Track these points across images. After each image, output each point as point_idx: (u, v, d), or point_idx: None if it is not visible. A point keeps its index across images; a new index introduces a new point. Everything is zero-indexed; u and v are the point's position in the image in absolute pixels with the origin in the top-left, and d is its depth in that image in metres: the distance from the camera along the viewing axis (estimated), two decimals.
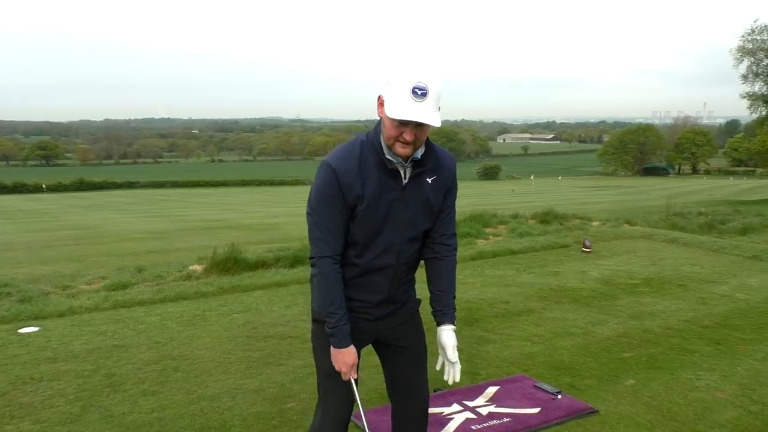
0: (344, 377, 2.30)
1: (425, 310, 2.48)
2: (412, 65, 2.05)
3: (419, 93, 2.00)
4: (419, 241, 2.36)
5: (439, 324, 2.43)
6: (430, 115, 2.03)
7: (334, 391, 2.40)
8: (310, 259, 2.25)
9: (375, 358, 2.62)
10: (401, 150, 2.11)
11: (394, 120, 2.05)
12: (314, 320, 2.40)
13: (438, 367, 2.49)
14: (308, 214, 2.24)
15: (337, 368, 2.29)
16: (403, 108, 2.02)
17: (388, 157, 2.17)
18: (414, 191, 2.23)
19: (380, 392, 3.91)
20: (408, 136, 2.07)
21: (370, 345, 2.53)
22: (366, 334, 2.40)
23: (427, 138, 2.21)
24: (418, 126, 2.06)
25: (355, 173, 2.15)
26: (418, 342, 2.53)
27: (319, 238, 2.21)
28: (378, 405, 3.72)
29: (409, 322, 2.49)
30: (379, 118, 2.19)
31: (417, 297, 2.55)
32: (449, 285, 2.42)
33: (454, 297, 2.44)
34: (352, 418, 3.54)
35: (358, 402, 2.35)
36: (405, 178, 2.21)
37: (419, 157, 2.21)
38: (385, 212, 2.20)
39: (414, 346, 2.51)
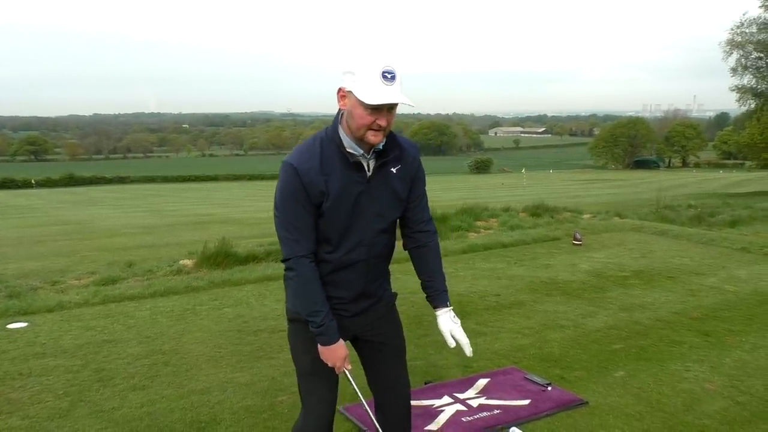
0: (338, 371, 2.30)
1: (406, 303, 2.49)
2: (376, 52, 2.06)
3: (389, 77, 2.02)
4: (389, 233, 2.34)
5: (435, 308, 2.43)
6: (403, 95, 2.05)
7: (316, 390, 2.37)
8: (284, 261, 2.21)
9: None
10: (373, 138, 2.10)
11: (367, 107, 2.04)
12: (290, 320, 2.38)
13: (451, 346, 2.44)
14: (275, 216, 2.21)
15: (330, 364, 2.27)
16: (377, 92, 2.01)
17: (349, 150, 2.15)
18: (380, 183, 2.23)
19: None
20: (382, 122, 2.07)
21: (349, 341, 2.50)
22: (345, 330, 2.36)
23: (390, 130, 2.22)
24: (389, 110, 2.08)
25: (317, 170, 2.13)
26: (397, 337, 2.52)
27: (289, 238, 2.18)
28: (369, 398, 3.72)
29: (386, 317, 2.48)
30: (337, 113, 2.19)
31: (393, 291, 2.53)
32: (437, 269, 2.43)
33: (444, 280, 2.44)
34: (341, 410, 3.55)
35: (357, 391, 2.34)
36: (369, 171, 2.21)
37: (381, 147, 2.20)
38: (352, 206, 2.19)
39: (393, 341, 2.50)
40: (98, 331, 5.10)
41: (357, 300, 2.35)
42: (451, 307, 2.44)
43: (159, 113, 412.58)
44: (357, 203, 2.19)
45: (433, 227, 2.45)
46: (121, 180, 69.80)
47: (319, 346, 2.26)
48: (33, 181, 60.91)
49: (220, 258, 7.48)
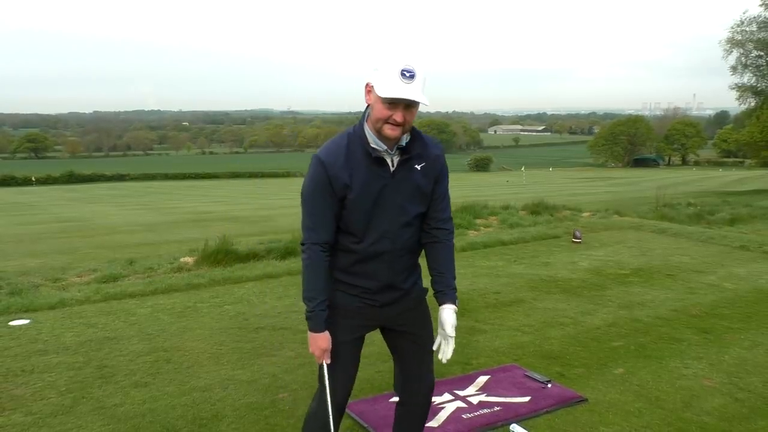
0: (318, 361, 2.39)
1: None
2: (400, 50, 2.16)
3: (407, 75, 2.12)
4: (414, 227, 2.41)
5: (440, 304, 2.46)
6: (419, 94, 2.14)
7: (334, 373, 2.43)
8: (301, 244, 2.34)
9: (369, 349, 2.61)
10: (390, 132, 2.20)
11: (384, 101, 2.14)
12: None
13: (435, 347, 2.52)
14: (301, 203, 2.33)
15: (310, 351, 2.36)
16: (393, 88, 2.12)
17: (373, 146, 2.26)
18: (403, 178, 2.32)
19: (371, 382, 3.94)
20: (398, 117, 2.17)
21: (372, 336, 2.55)
22: (371, 320, 2.47)
23: (414, 128, 2.31)
24: (407, 108, 2.17)
25: (343, 164, 2.24)
26: (424, 330, 2.57)
27: (309, 226, 2.31)
28: (369, 395, 3.75)
29: (415, 310, 2.54)
30: (365, 109, 2.29)
31: (424, 287, 2.58)
32: (448, 267, 2.47)
33: (455, 278, 2.49)
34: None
35: (327, 391, 2.38)
36: (393, 166, 2.30)
37: (404, 144, 2.29)
38: (375, 199, 2.28)
39: (420, 332, 2.55)
40: (100, 328, 5.12)
41: (383, 291, 2.42)
42: (456, 308, 2.45)
43: (159, 111, 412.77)
44: (381, 196, 2.29)
45: (451, 227, 2.51)
46: (121, 177, 69.83)
47: (307, 331, 2.36)
48: (33, 179, 60.92)
49: (221, 255, 7.50)
